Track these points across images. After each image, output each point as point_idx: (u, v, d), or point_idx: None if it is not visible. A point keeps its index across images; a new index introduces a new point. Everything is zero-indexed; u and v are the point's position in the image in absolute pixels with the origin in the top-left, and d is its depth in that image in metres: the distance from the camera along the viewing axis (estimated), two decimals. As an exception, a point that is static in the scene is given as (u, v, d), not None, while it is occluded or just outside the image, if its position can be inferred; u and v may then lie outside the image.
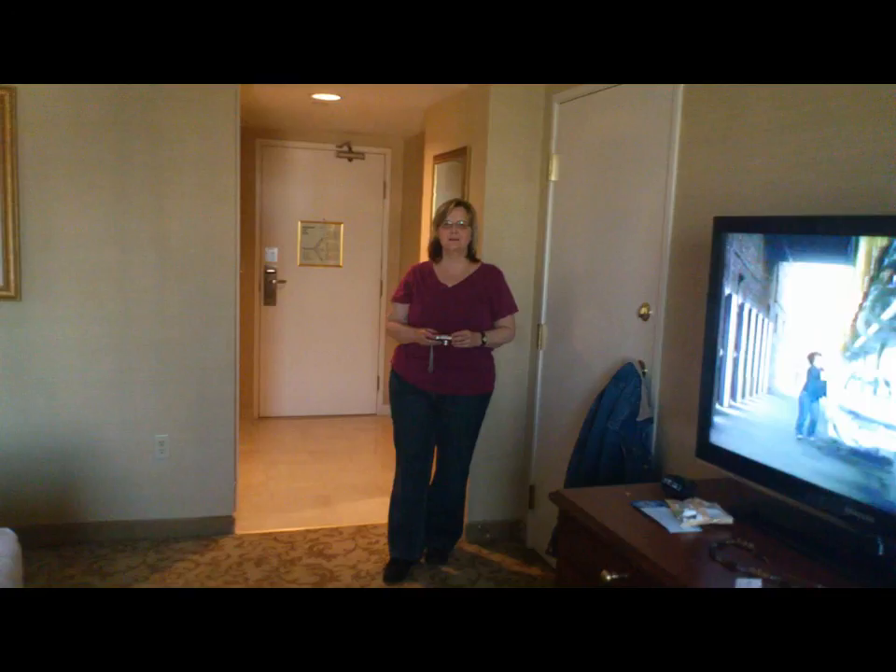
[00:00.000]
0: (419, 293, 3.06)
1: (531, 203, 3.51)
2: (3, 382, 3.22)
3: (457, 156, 3.92)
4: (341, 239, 5.75)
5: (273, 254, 5.63)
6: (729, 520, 1.73)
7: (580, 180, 3.18)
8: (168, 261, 3.36)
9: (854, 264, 1.52)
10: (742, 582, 1.42)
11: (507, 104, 3.43)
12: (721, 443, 1.90)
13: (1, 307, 3.17)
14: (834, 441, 1.56)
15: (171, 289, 3.38)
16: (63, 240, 3.21)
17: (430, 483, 3.25)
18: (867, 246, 1.49)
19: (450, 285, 3.04)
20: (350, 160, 5.68)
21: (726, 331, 1.88)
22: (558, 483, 2.81)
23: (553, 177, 3.36)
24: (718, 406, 1.91)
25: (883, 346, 1.45)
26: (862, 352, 1.50)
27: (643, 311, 2.66)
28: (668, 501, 1.82)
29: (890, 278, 1.44)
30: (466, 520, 3.53)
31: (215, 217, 3.39)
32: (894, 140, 1.68)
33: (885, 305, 1.45)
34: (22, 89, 3.06)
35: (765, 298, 1.76)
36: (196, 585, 3.05)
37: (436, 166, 4.44)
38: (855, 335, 1.51)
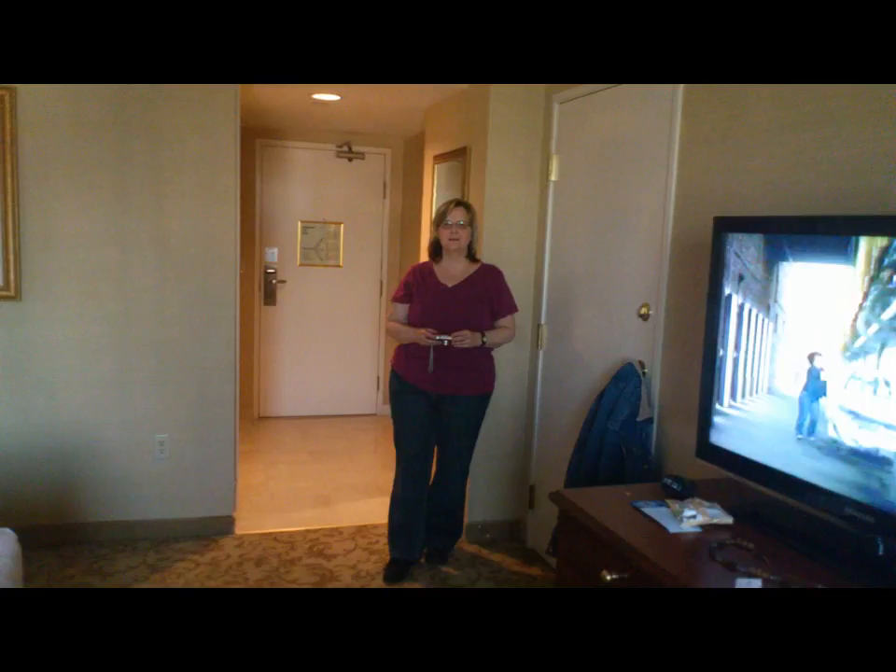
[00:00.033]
0: (419, 293, 3.06)
1: (531, 203, 3.51)
2: (3, 382, 3.22)
3: (457, 156, 3.92)
4: (341, 239, 5.75)
5: (272, 254, 5.63)
6: (729, 520, 1.73)
7: (580, 180, 3.17)
8: (168, 261, 3.36)
9: (854, 264, 1.52)
10: (742, 582, 1.42)
11: (507, 104, 3.43)
12: (720, 443, 1.90)
13: (1, 307, 3.17)
14: (834, 441, 1.56)
15: (171, 289, 3.38)
16: (63, 240, 3.21)
17: (430, 482, 3.25)
18: (867, 246, 1.49)
19: (450, 285, 3.04)
20: (350, 160, 5.68)
21: (726, 331, 1.88)
22: (558, 482, 2.81)
23: (552, 177, 3.35)
24: (718, 406, 1.91)
25: (883, 346, 1.45)
26: (862, 352, 1.50)
27: (643, 311, 2.66)
28: (668, 501, 1.82)
29: (890, 278, 1.44)
30: (466, 520, 3.53)
31: (215, 217, 3.39)
32: (894, 140, 1.68)
33: (885, 305, 1.45)
34: (22, 89, 3.06)
35: (765, 298, 1.76)
36: (196, 585, 3.05)
37: (436, 166, 4.44)
38: (855, 335, 1.51)
